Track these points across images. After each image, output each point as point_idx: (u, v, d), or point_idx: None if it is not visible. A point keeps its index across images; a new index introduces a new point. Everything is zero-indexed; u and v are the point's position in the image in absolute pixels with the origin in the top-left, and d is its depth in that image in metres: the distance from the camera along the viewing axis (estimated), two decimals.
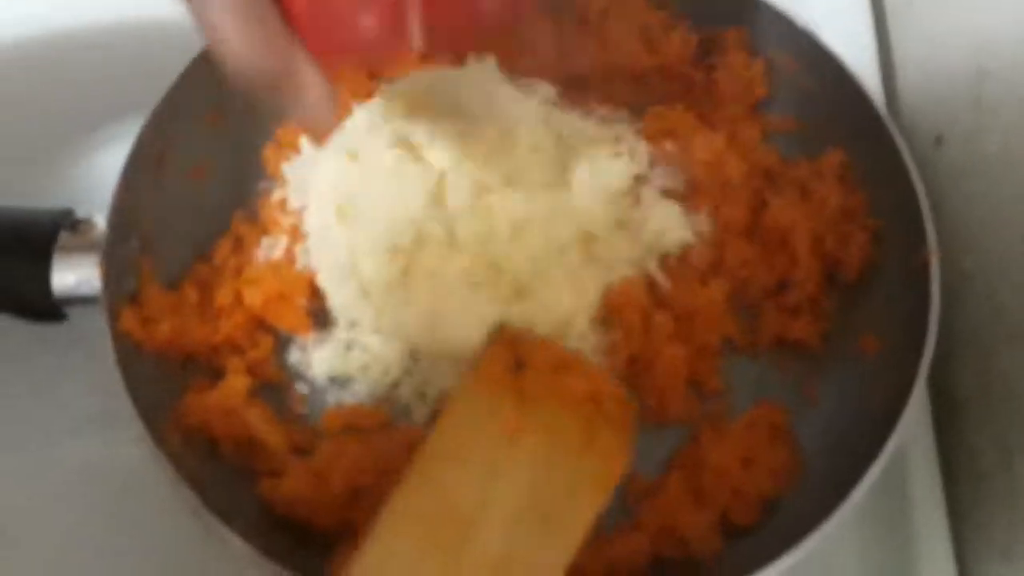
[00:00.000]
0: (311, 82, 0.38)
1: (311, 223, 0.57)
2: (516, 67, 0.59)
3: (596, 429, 0.44)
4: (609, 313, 0.55)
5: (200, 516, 0.44)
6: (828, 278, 0.57)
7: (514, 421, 0.42)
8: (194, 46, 0.55)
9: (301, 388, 0.56)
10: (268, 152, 0.60)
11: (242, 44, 0.35)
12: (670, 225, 0.57)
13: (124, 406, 0.47)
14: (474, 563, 0.38)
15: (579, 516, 0.42)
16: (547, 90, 0.60)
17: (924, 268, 0.52)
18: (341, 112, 0.60)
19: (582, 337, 0.54)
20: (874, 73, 0.69)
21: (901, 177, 0.53)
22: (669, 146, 0.60)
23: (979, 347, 0.57)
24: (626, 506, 0.51)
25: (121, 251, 0.51)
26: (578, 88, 0.60)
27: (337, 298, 0.56)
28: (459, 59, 0.59)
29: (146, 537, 0.52)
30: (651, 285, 0.56)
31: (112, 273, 0.50)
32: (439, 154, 0.54)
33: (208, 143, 0.57)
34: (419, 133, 0.55)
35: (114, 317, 0.49)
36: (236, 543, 0.43)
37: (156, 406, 0.48)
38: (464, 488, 0.40)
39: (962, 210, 0.60)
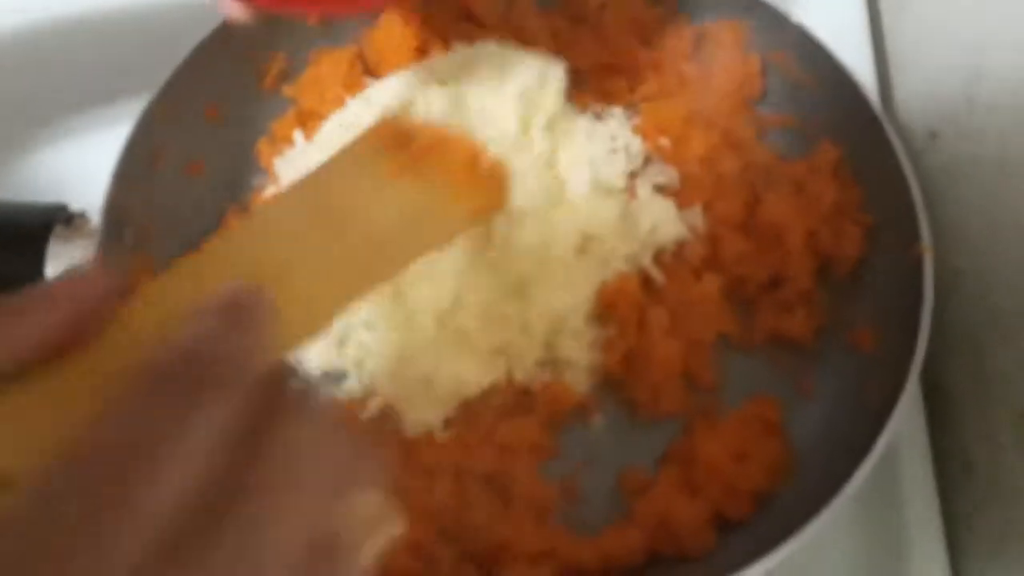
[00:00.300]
0: None
1: None
2: None
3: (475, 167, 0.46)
4: (604, 309, 0.55)
5: None
6: (821, 273, 0.57)
7: (400, 166, 0.44)
8: (189, 41, 0.55)
9: (294, 383, 0.55)
10: (262, 146, 0.60)
11: None
12: (664, 220, 0.57)
13: None
14: (348, 240, 0.39)
15: (450, 225, 0.44)
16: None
17: (918, 263, 0.52)
18: (334, 105, 0.60)
19: (577, 333, 0.54)
20: (869, 70, 0.69)
21: (895, 172, 0.54)
22: (663, 142, 0.60)
23: (972, 344, 0.57)
24: (620, 501, 0.52)
25: (115, 246, 0.51)
26: (573, 83, 0.60)
27: None
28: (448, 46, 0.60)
29: None
30: (646, 281, 0.56)
31: (106, 267, 0.50)
32: None
33: (202, 138, 0.57)
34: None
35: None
36: None
37: None
38: (345, 192, 0.41)
39: (955, 208, 0.60)
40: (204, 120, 0.57)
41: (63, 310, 0.24)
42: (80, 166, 0.52)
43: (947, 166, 0.62)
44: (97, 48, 0.67)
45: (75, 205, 0.53)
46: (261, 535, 0.22)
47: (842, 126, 0.58)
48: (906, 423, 0.56)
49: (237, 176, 0.60)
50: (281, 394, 0.25)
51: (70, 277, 0.26)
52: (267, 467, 0.23)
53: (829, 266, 0.57)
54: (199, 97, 0.57)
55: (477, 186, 0.47)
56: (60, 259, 0.51)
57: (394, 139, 0.46)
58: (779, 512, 0.50)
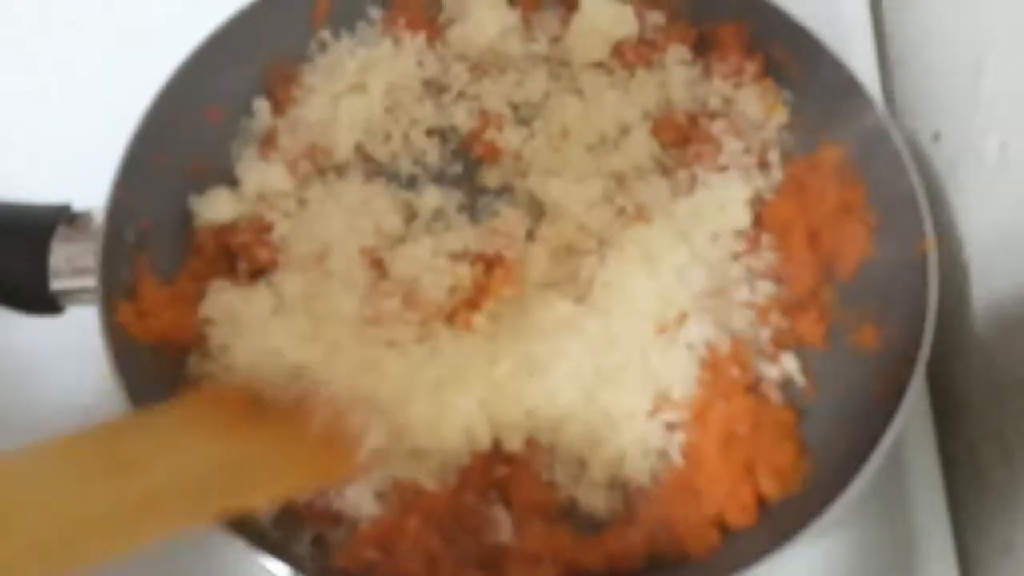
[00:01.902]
0: None
1: None
2: None
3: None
4: None
5: None
6: (825, 273, 0.57)
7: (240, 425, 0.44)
8: (190, 43, 0.56)
9: None
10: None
11: None
12: None
13: (121, 400, 0.47)
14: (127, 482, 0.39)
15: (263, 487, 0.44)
16: None
17: (922, 261, 0.51)
18: None
19: None
20: (872, 69, 0.68)
21: (898, 170, 0.53)
22: None
23: (978, 342, 0.57)
24: (623, 502, 0.51)
25: (118, 245, 0.51)
26: None
27: None
28: None
29: None
30: None
31: (109, 267, 0.50)
32: None
33: (204, 138, 0.57)
34: None
35: (110, 310, 0.49)
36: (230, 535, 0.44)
37: (152, 399, 0.48)
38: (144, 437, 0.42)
39: (959, 206, 0.60)
40: (205, 121, 0.57)
41: None
42: (84, 166, 0.52)
43: (950, 165, 0.61)
44: (100, 48, 0.68)
45: (78, 205, 0.53)
46: None
47: (844, 125, 0.57)
48: (912, 423, 0.56)
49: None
50: None
51: None
52: None
53: (833, 265, 0.57)
54: (201, 98, 0.57)
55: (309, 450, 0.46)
56: (64, 258, 0.51)
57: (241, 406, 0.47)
58: (785, 513, 0.49)
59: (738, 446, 0.50)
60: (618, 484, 0.51)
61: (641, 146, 0.59)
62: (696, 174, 0.58)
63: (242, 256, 0.55)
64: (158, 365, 0.51)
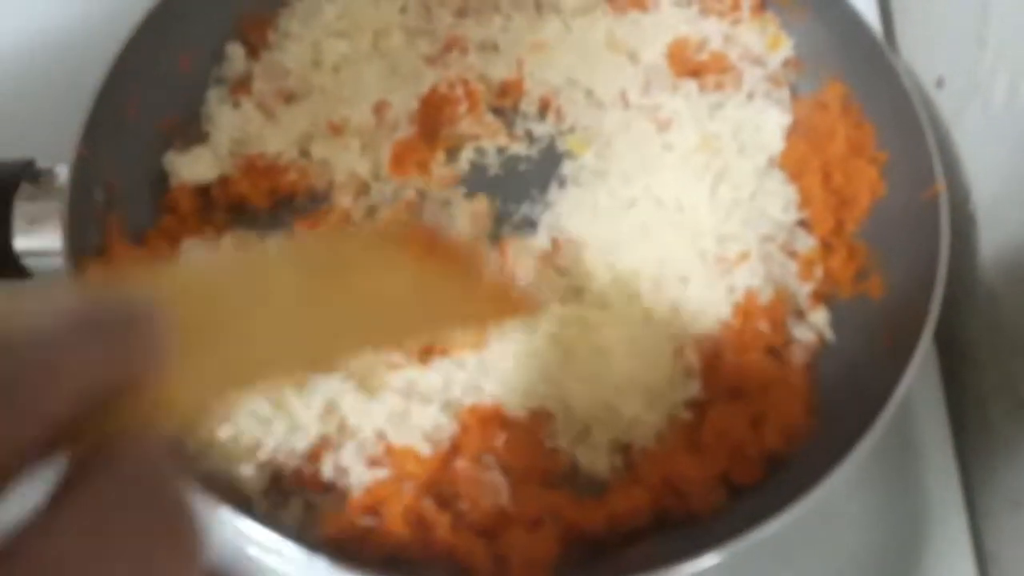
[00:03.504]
0: None
1: None
2: None
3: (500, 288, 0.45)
4: None
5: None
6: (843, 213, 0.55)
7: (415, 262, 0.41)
8: None
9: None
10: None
11: None
12: None
13: None
14: (345, 298, 0.36)
15: (459, 312, 0.41)
16: None
17: (932, 207, 0.50)
18: None
19: None
20: (873, 13, 0.66)
21: (905, 109, 0.52)
22: None
23: (987, 294, 0.55)
24: (626, 460, 0.49)
25: (85, 203, 0.49)
26: None
27: None
28: None
29: None
30: None
31: (76, 226, 0.47)
32: None
33: (174, 90, 0.54)
34: None
35: (78, 272, 0.46)
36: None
37: None
38: (350, 264, 0.38)
39: (965, 153, 0.58)
40: (177, 71, 0.54)
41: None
42: (48, 121, 0.49)
43: (955, 111, 0.59)
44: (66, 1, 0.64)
45: (43, 161, 0.50)
46: None
47: (848, 65, 0.56)
48: (921, 377, 0.54)
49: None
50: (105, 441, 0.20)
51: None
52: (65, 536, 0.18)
53: (846, 207, 0.54)
54: (168, 48, 0.53)
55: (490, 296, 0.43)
56: (28, 217, 0.48)
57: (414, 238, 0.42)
58: (793, 470, 0.48)
59: (745, 401, 0.48)
60: (621, 445, 0.49)
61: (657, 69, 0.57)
62: (721, 102, 0.56)
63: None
64: None
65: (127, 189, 0.51)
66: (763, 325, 0.50)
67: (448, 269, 0.41)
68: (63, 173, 0.49)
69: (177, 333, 0.22)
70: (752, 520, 0.43)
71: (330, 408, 0.46)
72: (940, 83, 0.62)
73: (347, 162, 0.54)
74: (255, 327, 0.30)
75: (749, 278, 0.51)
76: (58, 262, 0.47)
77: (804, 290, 0.53)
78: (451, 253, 0.42)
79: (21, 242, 0.48)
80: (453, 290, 0.41)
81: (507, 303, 0.44)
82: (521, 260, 0.51)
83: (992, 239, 0.55)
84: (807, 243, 0.54)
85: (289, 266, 0.35)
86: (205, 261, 0.35)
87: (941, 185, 0.50)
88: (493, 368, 0.48)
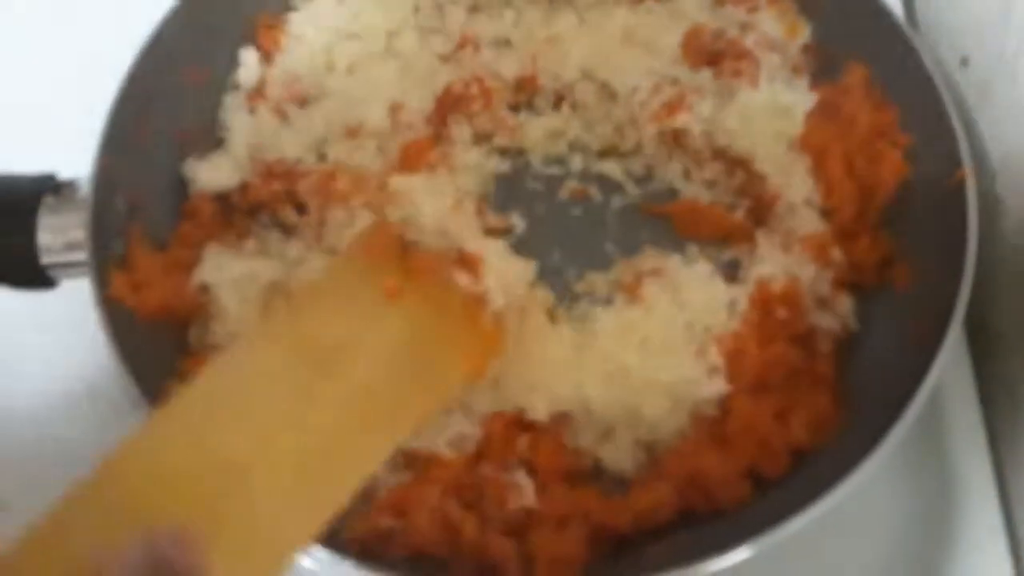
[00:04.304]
0: None
1: None
2: None
3: (474, 309, 0.45)
4: None
5: None
6: (867, 199, 0.54)
7: (396, 286, 0.42)
8: (165, 3, 0.53)
9: None
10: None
11: None
12: None
13: (119, 376, 0.44)
14: (336, 386, 0.38)
15: (446, 376, 0.42)
16: None
17: (959, 192, 0.48)
18: None
19: None
20: None
21: (929, 92, 0.51)
22: None
23: (1017, 277, 0.54)
24: (651, 456, 0.49)
25: (107, 213, 0.49)
26: None
27: None
28: None
29: None
30: None
31: (99, 235, 0.48)
32: None
33: (190, 99, 0.55)
34: None
35: (103, 282, 0.47)
36: None
37: (153, 374, 0.46)
38: (338, 324, 0.40)
39: (990, 136, 0.57)
40: (192, 79, 0.55)
41: None
42: (67, 134, 0.50)
43: (981, 91, 0.58)
44: (80, 9, 0.65)
45: (64, 174, 0.51)
46: None
47: (869, 48, 0.54)
48: (950, 363, 0.53)
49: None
50: None
51: None
52: None
53: (871, 192, 0.53)
54: (181, 59, 0.54)
55: (476, 330, 0.44)
56: (52, 229, 0.49)
57: (388, 248, 0.44)
58: (821, 463, 0.47)
59: (771, 394, 0.48)
60: (645, 443, 0.49)
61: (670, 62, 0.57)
62: (738, 90, 0.55)
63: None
64: (157, 337, 0.49)
65: (148, 198, 0.52)
66: (781, 313, 0.50)
67: (425, 288, 0.42)
68: (84, 185, 0.49)
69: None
70: (779, 515, 0.42)
71: None
72: (964, 63, 0.61)
73: (363, 163, 0.54)
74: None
75: (757, 266, 0.51)
76: (84, 272, 0.48)
77: (824, 277, 0.52)
78: (424, 265, 0.43)
79: (47, 257, 0.49)
80: (444, 330, 0.42)
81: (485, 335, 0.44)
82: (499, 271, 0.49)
83: (1019, 221, 0.54)
84: (815, 226, 0.53)
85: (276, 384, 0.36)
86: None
87: (967, 169, 0.49)
88: (513, 375, 0.48)
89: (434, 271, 0.45)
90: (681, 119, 0.54)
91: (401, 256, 0.45)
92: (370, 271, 0.43)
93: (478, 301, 0.45)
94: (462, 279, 0.45)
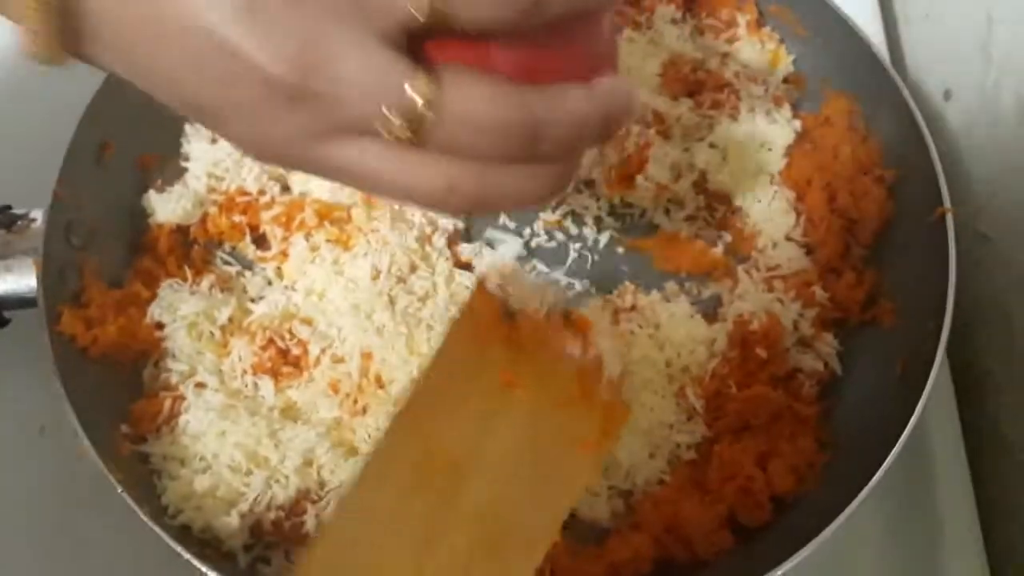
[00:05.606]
0: None
1: None
2: None
3: (591, 383, 0.40)
4: None
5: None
6: (850, 236, 0.52)
7: (507, 371, 0.38)
8: None
9: None
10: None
11: None
12: None
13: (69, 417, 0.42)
14: (464, 510, 0.35)
15: (574, 473, 0.38)
16: None
17: (940, 229, 0.47)
18: None
19: None
20: (877, 27, 0.64)
21: (909, 127, 0.50)
22: None
23: (1000, 314, 0.53)
24: (627, 504, 0.47)
25: (61, 248, 0.47)
26: None
27: None
28: None
29: (92, 553, 0.48)
30: None
31: (51, 271, 0.46)
32: None
33: (151, 130, 0.53)
34: None
35: (53, 319, 0.45)
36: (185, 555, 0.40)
37: (103, 416, 0.44)
38: (454, 435, 0.36)
39: (975, 169, 0.56)
40: (154, 107, 0.53)
41: None
42: (24, 165, 0.48)
43: (965, 125, 0.57)
44: None
45: (19, 207, 0.49)
46: None
47: (851, 80, 0.54)
48: (934, 399, 0.51)
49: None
50: None
51: None
52: None
53: (854, 228, 0.52)
54: (143, 92, 0.52)
55: (595, 405, 0.40)
56: (3, 264, 0.47)
57: (494, 324, 0.39)
58: (803, 509, 0.45)
59: (752, 437, 0.46)
60: (621, 491, 0.47)
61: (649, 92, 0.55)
62: (717, 122, 0.54)
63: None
64: (110, 377, 0.46)
65: (105, 229, 0.50)
66: (762, 353, 0.48)
67: (536, 368, 0.38)
68: (39, 218, 0.47)
69: None
70: (760, 565, 0.41)
71: (308, 461, 0.45)
72: (947, 96, 0.60)
73: (326, 194, 0.52)
74: None
75: (737, 303, 0.49)
76: (34, 307, 0.46)
77: (806, 315, 0.50)
78: (536, 338, 0.39)
79: None
80: (565, 419, 0.38)
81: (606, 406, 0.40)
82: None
83: (1004, 258, 0.53)
84: (798, 262, 0.52)
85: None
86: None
87: (948, 206, 0.47)
88: None
89: (547, 344, 0.40)
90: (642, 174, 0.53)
91: (507, 332, 0.39)
92: (478, 352, 0.38)
93: (595, 370, 0.40)
94: (575, 348, 0.40)
